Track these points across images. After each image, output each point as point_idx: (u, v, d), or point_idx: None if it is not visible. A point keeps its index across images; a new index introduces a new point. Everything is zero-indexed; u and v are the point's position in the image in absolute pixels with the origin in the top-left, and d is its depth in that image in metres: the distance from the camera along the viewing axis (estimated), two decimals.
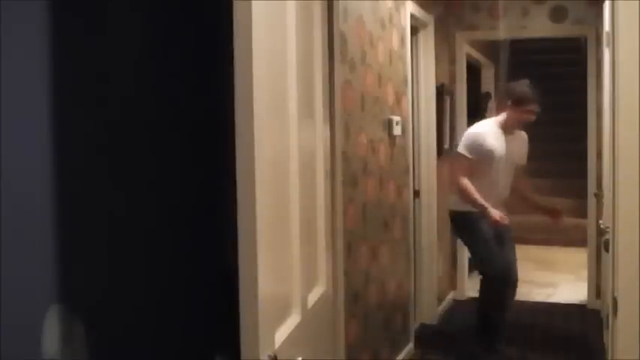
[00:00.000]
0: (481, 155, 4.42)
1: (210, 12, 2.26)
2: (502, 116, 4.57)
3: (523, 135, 4.71)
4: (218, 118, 2.22)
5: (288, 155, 1.98)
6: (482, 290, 4.63)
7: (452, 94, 5.99)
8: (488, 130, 4.50)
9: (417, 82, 5.28)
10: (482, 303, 4.65)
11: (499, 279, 4.44)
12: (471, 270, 6.43)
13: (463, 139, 4.58)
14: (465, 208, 4.48)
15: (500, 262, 4.44)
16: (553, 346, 4.87)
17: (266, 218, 1.63)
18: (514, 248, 4.63)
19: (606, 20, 4.12)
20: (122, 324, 1.85)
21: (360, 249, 3.65)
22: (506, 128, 4.53)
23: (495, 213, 4.33)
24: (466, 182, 4.43)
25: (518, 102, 4.47)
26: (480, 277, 4.65)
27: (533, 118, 4.51)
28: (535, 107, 4.47)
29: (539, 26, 5.90)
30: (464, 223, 4.61)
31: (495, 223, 4.34)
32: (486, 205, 4.37)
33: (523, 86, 4.53)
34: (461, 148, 4.52)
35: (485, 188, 4.42)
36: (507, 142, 4.51)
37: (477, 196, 4.40)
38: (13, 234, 1.48)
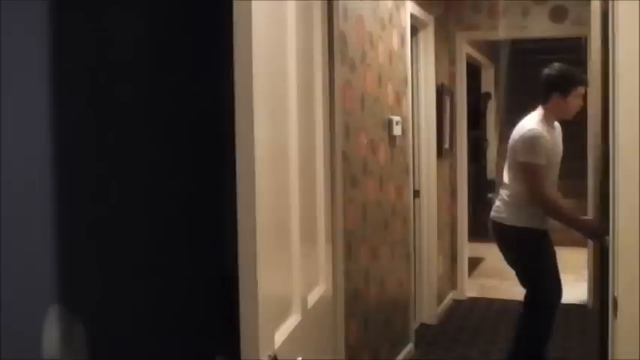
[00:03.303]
0: (544, 159, 3.78)
1: (210, 12, 2.26)
2: (544, 109, 3.88)
3: (559, 126, 4.06)
4: (218, 118, 2.22)
5: (288, 155, 1.98)
6: (530, 323, 4.01)
7: (452, 94, 5.99)
8: (541, 128, 3.81)
9: (417, 82, 5.29)
10: (531, 340, 4.01)
11: (554, 305, 3.99)
12: (470, 270, 6.43)
13: (522, 144, 3.79)
14: (529, 224, 3.89)
15: (558, 287, 3.98)
16: (553, 345, 4.87)
17: (266, 218, 1.63)
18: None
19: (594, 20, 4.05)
20: (122, 324, 1.85)
21: (360, 249, 3.65)
22: (550, 121, 3.90)
23: (596, 224, 3.78)
24: (555, 197, 3.87)
25: (563, 88, 3.81)
26: (527, 307, 4.04)
27: (582, 101, 3.90)
28: (582, 89, 3.86)
29: (539, 26, 5.91)
30: (526, 242, 3.96)
31: (596, 236, 3.75)
32: (583, 219, 3.94)
33: (563, 69, 3.87)
34: (528, 157, 3.76)
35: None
36: (554, 138, 3.92)
37: (570, 211, 3.90)
38: (13, 234, 1.48)
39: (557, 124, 4.02)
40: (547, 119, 3.87)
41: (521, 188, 3.87)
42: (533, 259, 3.97)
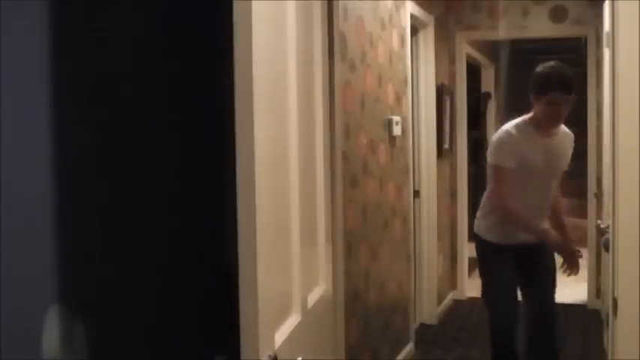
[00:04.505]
0: (515, 162, 3.46)
1: (210, 12, 2.26)
2: (532, 112, 3.55)
3: (568, 135, 3.69)
4: (218, 118, 2.22)
5: (288, 155, 1.98)
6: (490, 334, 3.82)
7: (452, 94, 5.99)
8: (517, 130, 3.50)
9: (417, 82, 5.29)
10: (494, 341, 3.78)
11: (494, 326, 3.69)
12: (470, 270, 6.43)
13: (490, 147, 3.59)
14: (485, 236, 3.66)
15: (501, 313, 3.64)
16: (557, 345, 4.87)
17: (266, 218, 1.63)
18: (548, 283, 3.75)
19: (606, 20, 4.11)
20: (122, 324, 1.84)
21: (360, 249, 3.65)
22: (541, 127, 3.50)
23: (556, 238, 3.51)
24: (512, 203, 3.50)
25: (536, 92, 3.45)
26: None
27: (561, 109, 3.41)
28: (557, 95, 3.36)
29: (539, 26, 5.91)
30: (481, 252, 3.74)
31: (559, 249, 3.52)
32: (542, 228, 3.53)
33: (542, 69, 3.47)
34: (491, 158, 3.53)
35: (519, 204, 3.51)
36: (546, 144, 3.52)
37: (525, 217, 3.51)
38: (13, 234, 1.48)
39: (563, 130, 3.65)
40: (533, 123, 3.51)
41: (486, 193, 3.69)
42: (482, 270, 3.76)
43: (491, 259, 3.65)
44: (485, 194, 3.70)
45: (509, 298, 3.63)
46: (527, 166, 3.46)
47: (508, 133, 3.50)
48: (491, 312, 3.69)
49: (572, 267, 3.57)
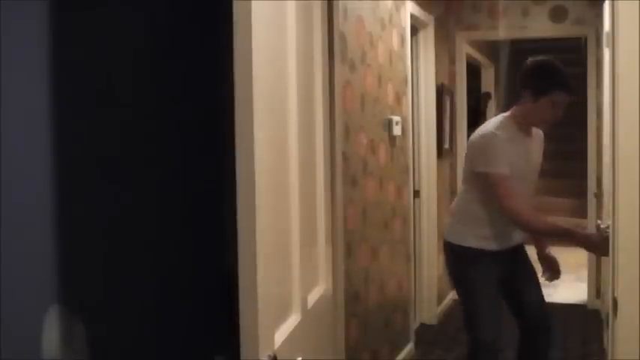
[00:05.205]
0: (507, 166, 3.04)
1: (210, 12, 2.26)
2: (516, 110, 3.16)
3: (539, 133, 3.32)
4: (218, 118, 2.22)
5: (288, 156, 1.98)
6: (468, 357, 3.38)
7: (452, 94, 5.99)
8: (502, 131, 3.09)
9: (417, 82, 5.29)
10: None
11: (485, 347, 3.24)
12: None
13: (475, 151, 3.13)
14: (464, 242, 3.22)
15: (492, 325, 3.21)
16: (553, 346, 4.87)
17: (266, 218, 1.63)
18: (538, 282, 3.41)
19: (606, 20, 4.11)
20: (122, 324, 1.85)
21: (360, 249, 3.65)
22: (523, 126, 3.14)
23: (587, 235, 3.17)
24: (530, 212, 3.11)
25: (537, 89, 3.04)
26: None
27: (560, 111, 3.08)
28: (561, 95, 3.03)
29: (539, 26, 5.91)
30: (459, 263, 3.29)
31: (596, 249, 3.08)
32: (574, 229, 3.15)
33: (544, 64, 3.10)
34: (481, 165, 3.07)
35: (500, 213, 3.11)
36: (527, 144, 3.19)
37: (552, 221, 3.22)
38: (13, 234, 1.48)
39: (538, 132, 3.30)
40: (517, 122, 3.14)
41: (471, 198, 3.23)
42: (462, 284, 3.30)
43: (472, 267, 3.22)
44: (470, 200, 3.24)
45: (499, 315, 3.29)
46: (514, 170, 3.07)
47: (493, 134, 3.07)
48: (482, 330, 3.23)
49: (555, 273, 3.46)
